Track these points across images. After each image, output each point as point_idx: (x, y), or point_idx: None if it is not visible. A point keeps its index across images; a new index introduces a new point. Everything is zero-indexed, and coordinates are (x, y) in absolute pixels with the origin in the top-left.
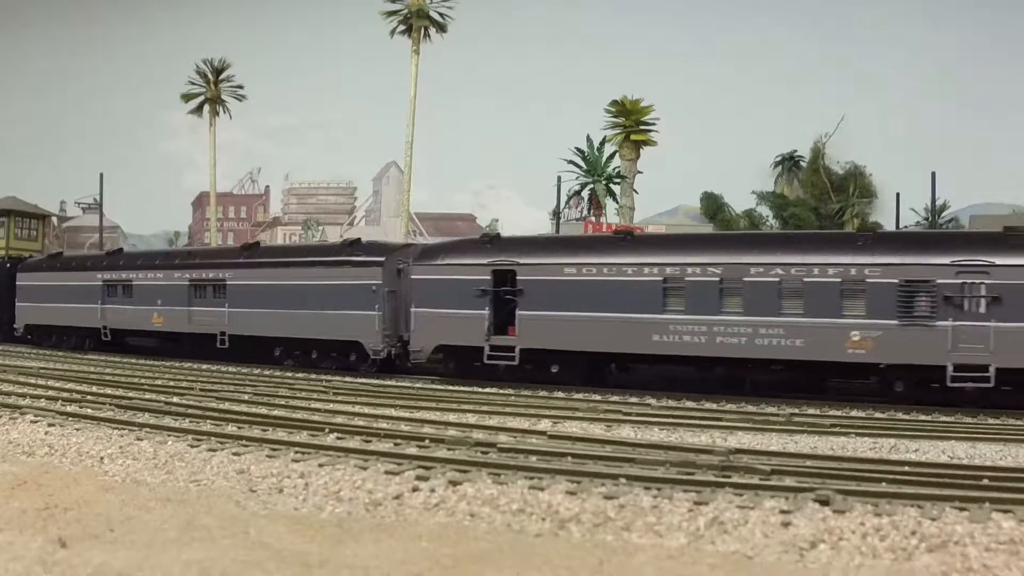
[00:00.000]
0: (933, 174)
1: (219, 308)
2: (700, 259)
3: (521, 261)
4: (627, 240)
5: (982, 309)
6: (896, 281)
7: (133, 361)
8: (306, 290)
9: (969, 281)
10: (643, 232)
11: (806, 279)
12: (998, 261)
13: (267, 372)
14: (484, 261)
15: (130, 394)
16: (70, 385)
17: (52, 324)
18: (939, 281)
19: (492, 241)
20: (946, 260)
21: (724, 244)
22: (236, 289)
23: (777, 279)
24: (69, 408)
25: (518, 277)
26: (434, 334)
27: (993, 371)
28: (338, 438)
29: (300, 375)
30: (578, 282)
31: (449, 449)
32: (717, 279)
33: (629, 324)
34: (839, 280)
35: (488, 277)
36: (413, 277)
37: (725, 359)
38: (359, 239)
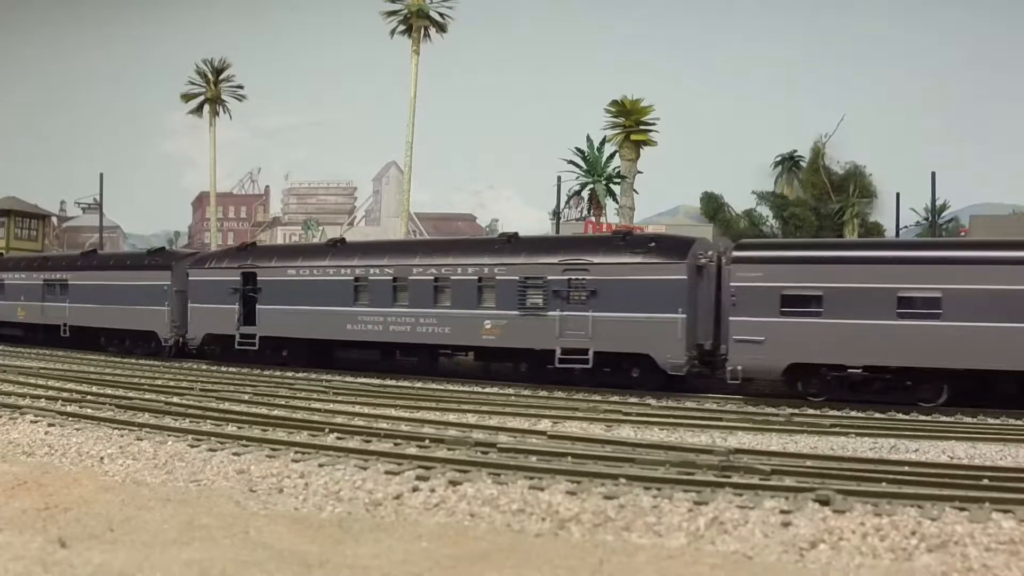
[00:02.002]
0: (933, 174)
1: (62, 304)
2: (380, 261)
3: (260, 265)
4: (336, 247)
5: (583, 301)
6: (517, 278)
7: (133, 361)
8: (120, 290)
9: (573, 277)
10: (353, 240)
11: (453, 277)
12: (595, 260)
13: (267, 372)
14: (236, 265)
15: (130, 394)
16: (70, 385)
17: None
18: (550, 278)
19: (246, 249)
20: (555, 260)
21: (399, 249)
22: (75, 288)
23: (432, 277)
24: (69, 408)
25: (259, 278)
26: (203, 325)
27: (592, 354)
28: (338, 438)
29: (300, 375)
30: (297, 282)
31: (449, 449)
32: (390, 278)
33: (331, 315)
34: (477, 278)
35: (238, 278)
36: (190, 279)
37: (397, 344)
38: (162, 248)
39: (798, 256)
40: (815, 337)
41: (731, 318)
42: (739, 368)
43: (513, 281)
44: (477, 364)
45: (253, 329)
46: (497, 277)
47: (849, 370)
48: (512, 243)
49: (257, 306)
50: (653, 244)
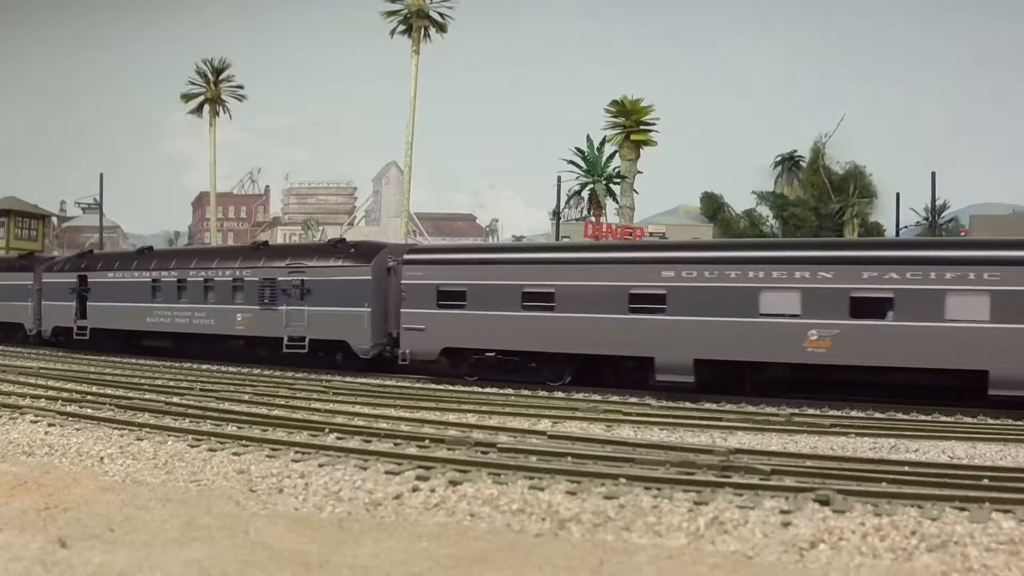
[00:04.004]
0: (933, 174)
1: None
2: (169, 266)
3: (90, 269)
4: (143, 254)
5: (302, 298)
6: (259, 279)
7: (133, 361)
8: (4, 289)
9: (295, 279)
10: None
11: (216, 279)
12: (310, 264)
13: (267, 372)
14: (74, 269)
15: (130, 394)
16: (70, 385)
17: None
18: (279, 279)
19: (83, 256)
20: (284, 264)
21: (183, 255)
22: None
23: (203, 279)
24: (69, 408)
25: (89, 280)
26: (52, 318)
27: (308, 341)
28: (338, 438)
29: (300, 375)
30: (114, 283)
31: (449, 449)
32: (175, 280)
33: (136, 310)
34: (232, 279)
35: (75, 280)
36: (43, 280)
37: (181, 333)
38: (31, 253)
39: (449, 258)
40: (461, 326)
41: (402, 310)
42: (408, 351)
43: (256, 282)
44: (238, 349)
45: (85, 322)
46: (246, 279)
47: (487, 353)
48: (258, 250)
49: (88, 303)
50: (352, 250)
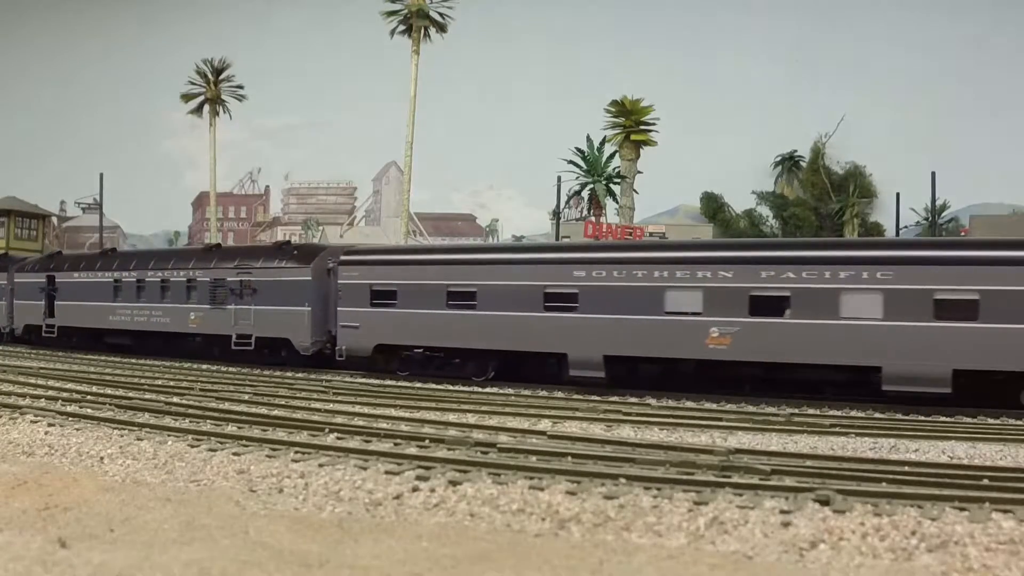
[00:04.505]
0: (933, 174)
1: None
2: (129, 267)
3: (58, 270)
4: (105, 255)
5: (249, 298)
6: (209, 280)
7: (133, 361)
8: None
9: (243, 279)
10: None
11: (172, 279)
12: (257, 265)
13: (267, 372)
14: (43, 270)
15: (130, 394)
16: (70, 385)
17: None
18: (229, 279)
19: (51, 257)
20: (232, 265)
21: (142, 257)
22: None
23: (159, 279)
24: (69, 408)
25: (56, 280)
26: (24, 317)
27: (254, 339)
28: (338, 438)
29: (300, 375)
30: (79, 283)
31: (449, 449)
32: (135, 280)
33: (99, 309)
34: (186, 280)
35: (44, 280)
36: (15, 280)
37: (141, 331)
38: (6, 254)
39: (381, 259)
40: (392, 324)
41: (338, 309)
42: (344, 348)
43: (207, 282)
44: (195, 346)
45: (54, 320)
46: (198, 279)
47: (415, 350)
48: (210, 252)
49: (55, 302)
50: (295, 252)
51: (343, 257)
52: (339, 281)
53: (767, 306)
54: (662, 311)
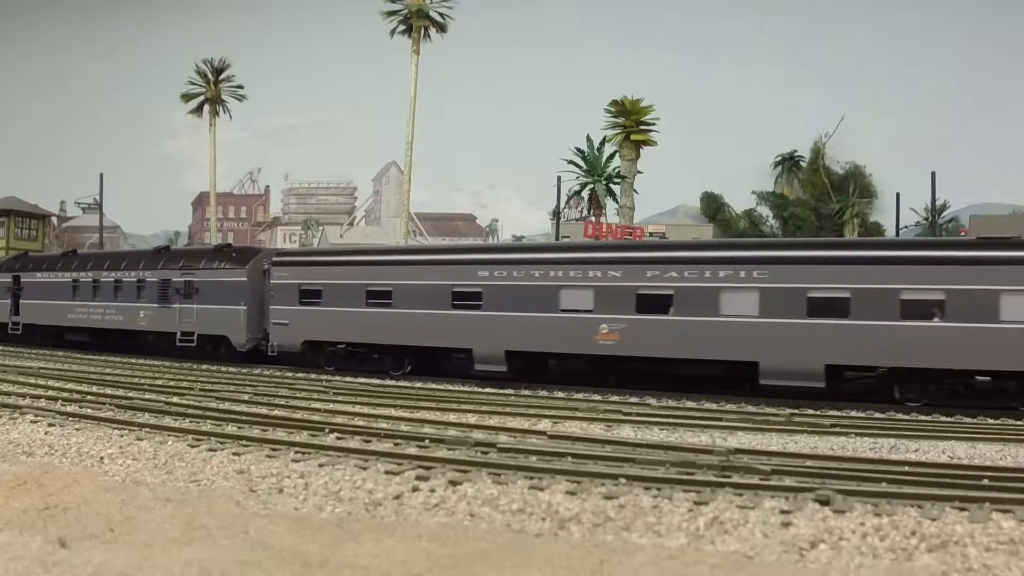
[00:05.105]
0: (933, 174)
1: None
2: (86, 268)
3: (24, 270)
4: (65, 257)
5: (192, 297)
6: (157, 280)
7: (133, 361)
8: None
9: (187, 280)
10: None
11: (124, 280)
12: (199, 267)
13: (267, 372)
14: (10, 270)
15: (130, 394)
16: (70, 385)
17: None
18: (174, 280)
19: (17, 258)
20: (178, 266)
21: (97, 258)
22: None
23: (113, 280)
24: (69, 408)
25: (22, 280)
26: None
27: (196, 336)
28: (338, 438)
29: (300, 375)
30: (42, 283)
31: (449, 449)
32: (91, 280)
33: (59, 307)
34: (137, 280)
35: (11, 280)
36: None
37: (97, 329)
38: None
39: (308, 260)
40: (318, 321)
41: (271, 307)
42: (276, 344)
43: (155, 283)
44: (147, 343)
45: (19, 318)
46: (147, 280)
47: (338, 345)
48: (159, 255)
49: (20, 301)
50: (234, 255)
51: (275, 259)
52: (271, 281)
53: (652, 304)
54: (557, 309)
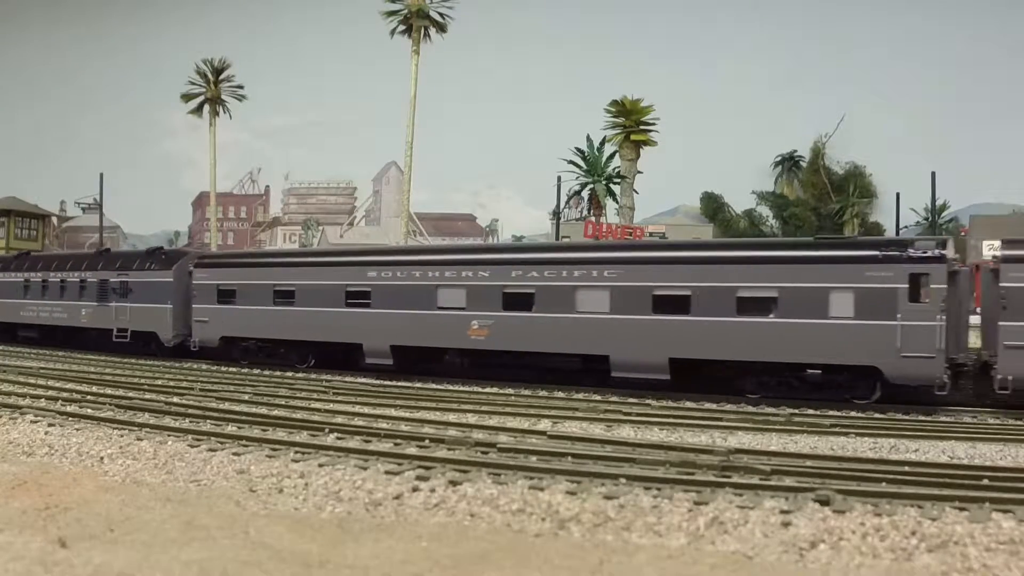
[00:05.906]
0: (933, 174)
1: None
2: (36, 268)
3: None
4: (19, 258)
5: (126, 296)
6: (96, 280)
7: (133, 361)
8: None
9: (123, 280)
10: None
11: (68, 280)
12: (133, 268)
13: (267, 372)
14: None
15: (130, 394)
16: (70, 385)
17: None
18: (112, 280)
19: None
20: (115, 268)
21: (49, 260)
22: None
23: (59, 280)
24: (69, 408)
25: None
26: None
27: (129, 332)
28: (338, 438)
29: (300, 375)
30: (5, 283)
31: (449, 449)
32: (40, 280)
33: (14, 305)
34: (79, 280)
35: None
36: None
37: (46, 326)
38: None
39: (225, 262)
40: (233, 318)
41: (193, 305)
42: (197, 340)
43: (95, 283)
44: (92, 339)
45: None
46: (88, 280)
47: (250, 341)
48: (99, 256)
49: None
50: (163, 257)
51: (197, 261)
52: (194, 282)
53: (517, 302)
54: (435, 306)
